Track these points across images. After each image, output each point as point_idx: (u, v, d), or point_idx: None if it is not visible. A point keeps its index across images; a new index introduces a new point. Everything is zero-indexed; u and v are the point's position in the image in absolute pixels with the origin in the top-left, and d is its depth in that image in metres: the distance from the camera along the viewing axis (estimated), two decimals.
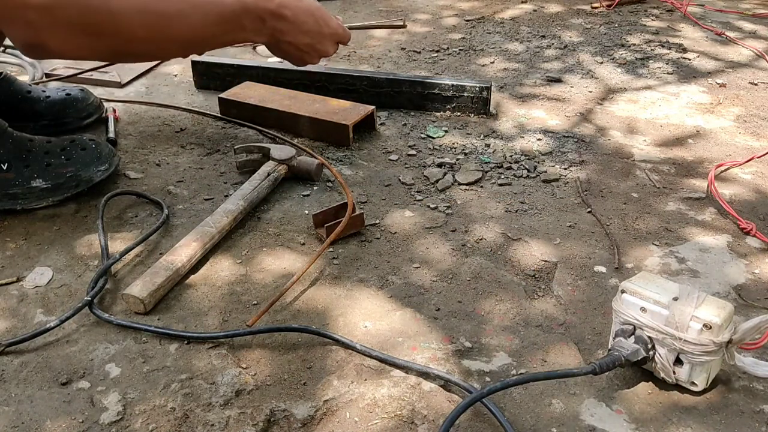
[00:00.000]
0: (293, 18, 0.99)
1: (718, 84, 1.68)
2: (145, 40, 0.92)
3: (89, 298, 0.90)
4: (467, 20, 2.16)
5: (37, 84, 1.56)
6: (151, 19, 0.90)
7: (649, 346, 0.77)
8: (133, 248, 1.02)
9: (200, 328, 0.88)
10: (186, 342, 0.85)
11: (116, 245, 1.03)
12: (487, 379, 0.81)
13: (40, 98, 1.33)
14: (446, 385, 0.80)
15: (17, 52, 1.75)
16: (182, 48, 0.99)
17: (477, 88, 1.46)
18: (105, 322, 0.88)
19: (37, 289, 0.95)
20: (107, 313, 0.89)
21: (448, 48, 1.89)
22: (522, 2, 2.37)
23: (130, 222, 1.09)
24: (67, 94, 1.36)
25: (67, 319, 0.88)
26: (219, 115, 1.46)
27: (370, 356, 0.83)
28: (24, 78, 1.62)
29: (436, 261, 1.02)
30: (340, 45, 1.14)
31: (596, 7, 2.29)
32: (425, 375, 0.81)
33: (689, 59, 1.83)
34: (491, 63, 1.79)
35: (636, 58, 1.83)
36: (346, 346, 0.85)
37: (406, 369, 0.82)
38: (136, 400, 0.77)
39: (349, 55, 1.84)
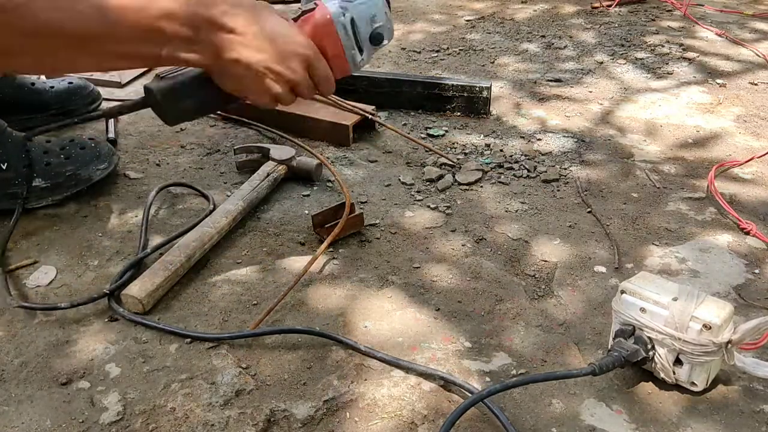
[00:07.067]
0: (242, 29, 0.76)
1: (718, 84, 1.68)
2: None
3: (107, 291, 0.91)
4: (468, 20, 2.16)
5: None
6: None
7: (649, 346, 0.77)
8: (167, 243, 1.02)
9: (200, 328, 0.88)
10: (188, 341, 0.85)
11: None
12: (487, 379, 0.81)
13: (45, 89, 1.37)
14: (446, 385, 0.80)
15: None
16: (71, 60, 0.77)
17: (477, 88, 1.46)
18: (120, 316, 0.89)
19: (38, 289, 0.95)
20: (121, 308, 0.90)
21: (448, 48, 1.89)
22: (522, 2, 2.37)
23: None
24: (70, 83, 1.41)
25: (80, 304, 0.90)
26: (219, 114, 1.46)
27: (374, 357, 0.83)
28: None
29: (436, 261, 1.02)
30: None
31: (596, 7, 2.29)
32: (430, 376, 0.81)
33: (689, 59, 1.83)
34: (491, 63, 1.79)
35: (636, 58, 1.83)
36: (356, 349, 0.85)
37: (415, 371, 0.81)
38: (136, 400, 0.77)
39: None
